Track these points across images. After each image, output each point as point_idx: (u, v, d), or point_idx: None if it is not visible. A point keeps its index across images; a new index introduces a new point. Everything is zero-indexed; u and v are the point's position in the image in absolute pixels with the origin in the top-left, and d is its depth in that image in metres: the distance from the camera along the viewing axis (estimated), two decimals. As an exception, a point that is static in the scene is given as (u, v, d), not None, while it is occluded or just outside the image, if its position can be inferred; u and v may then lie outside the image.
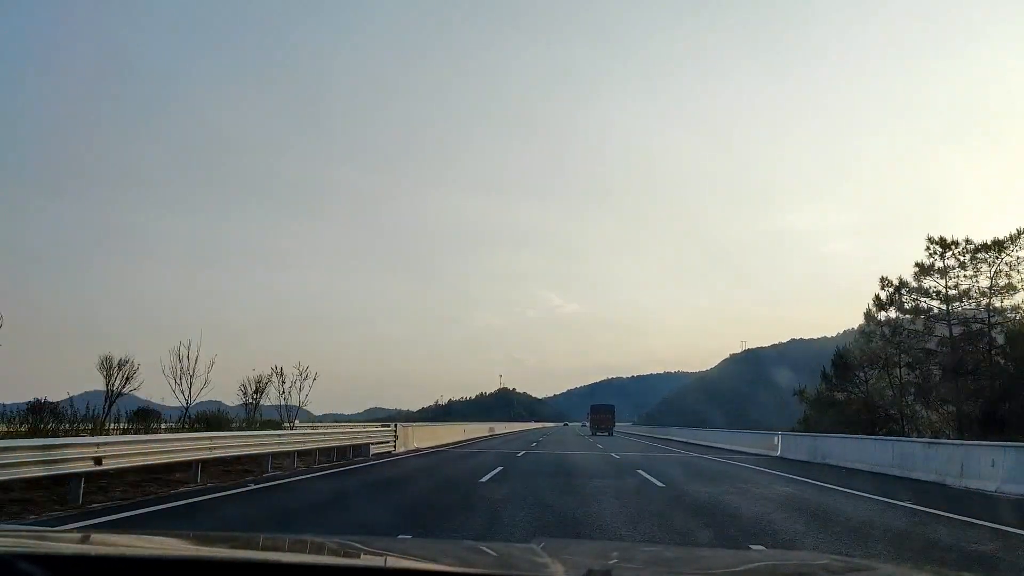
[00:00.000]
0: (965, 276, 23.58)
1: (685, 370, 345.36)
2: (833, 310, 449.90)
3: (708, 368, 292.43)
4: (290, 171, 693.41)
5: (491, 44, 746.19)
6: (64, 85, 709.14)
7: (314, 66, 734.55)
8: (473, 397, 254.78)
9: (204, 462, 11.83)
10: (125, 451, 9.82)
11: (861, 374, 26.32)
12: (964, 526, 8.58)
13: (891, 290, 23.87)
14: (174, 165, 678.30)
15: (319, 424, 38.22)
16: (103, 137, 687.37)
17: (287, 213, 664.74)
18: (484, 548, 2.43)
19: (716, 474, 16.48)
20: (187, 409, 17.76)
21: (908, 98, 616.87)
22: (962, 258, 23.56)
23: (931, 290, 23.43)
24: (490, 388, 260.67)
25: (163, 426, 16.60)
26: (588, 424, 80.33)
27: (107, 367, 17.35)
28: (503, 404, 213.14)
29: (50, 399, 15.75)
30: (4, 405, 13.50)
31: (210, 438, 11.90)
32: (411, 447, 25.45)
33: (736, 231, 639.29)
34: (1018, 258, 23.34)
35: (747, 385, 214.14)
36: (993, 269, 23.58)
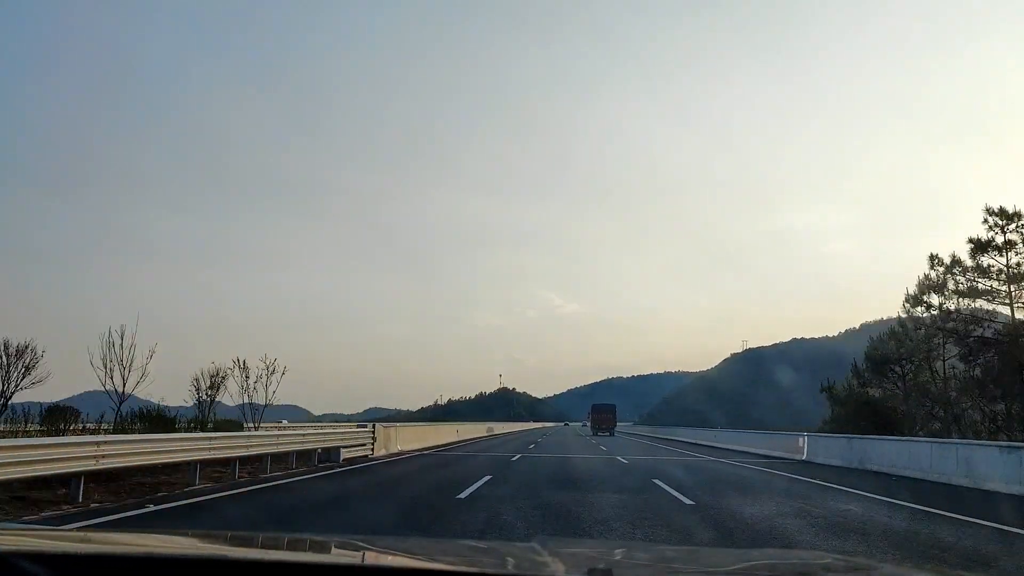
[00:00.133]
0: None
1: (686, 370, 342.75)
2: (834, 310, 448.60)
3: (709, 368, 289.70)
4: (291, 171, 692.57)
5: (492, 44, 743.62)
6: (66, 86, 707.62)
7: (315, 66, 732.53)
8: (473, 397, 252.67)
9: (91, 475, 9.02)
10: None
11: (898, 368, 23.45)
12: None
13: (941, 270, 20.98)
14: (175, 165, 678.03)
15: (285, 425, 35.57)
16: (104, 137, 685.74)
17: (288, 213, 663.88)
18: (485, 547, 2.71)
19: (747, 484, 13.66)
20: (119, 406, 14.95)
21: (908, 98, 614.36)
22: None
23: (991, 269, 20.44)
24: (490, 388, 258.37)
25: (82, 428, 13.81)
26: (589, 424, 78.45)
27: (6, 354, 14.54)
28: (503, 404, 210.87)
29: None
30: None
31: (97, 444, 9.02)
32: (393, 450, 22.63)
33: (737, 231, 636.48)
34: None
35: (748, 385, 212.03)
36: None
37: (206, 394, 18.34)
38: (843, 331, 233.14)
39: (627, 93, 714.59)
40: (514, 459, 20.77)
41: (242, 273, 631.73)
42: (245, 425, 20.34)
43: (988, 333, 20.00)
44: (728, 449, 29.85)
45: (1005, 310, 20.31)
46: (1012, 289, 19.49)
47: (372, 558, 1.63)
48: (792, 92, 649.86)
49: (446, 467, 17.45)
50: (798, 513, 9.26)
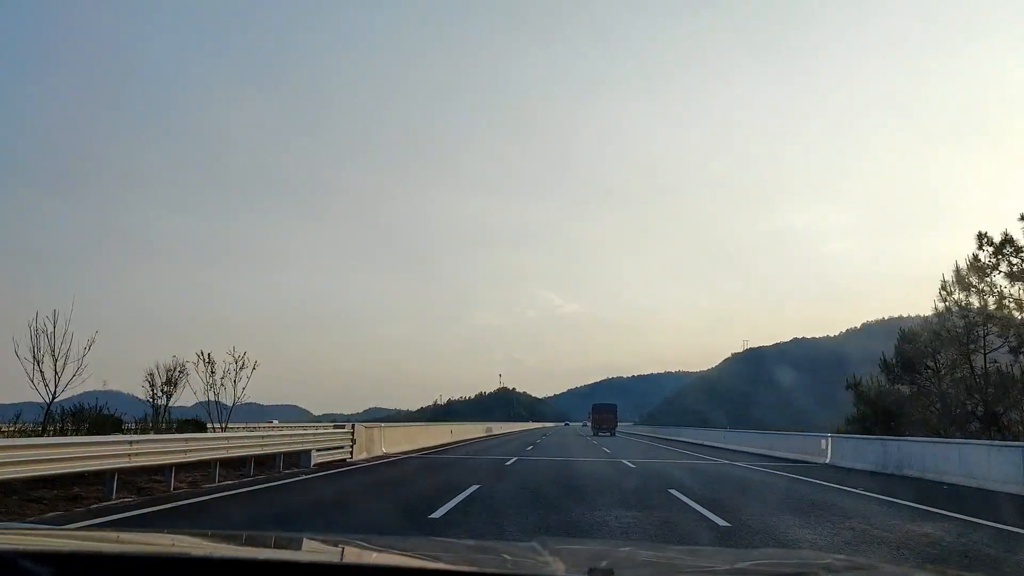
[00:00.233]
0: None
1: (686, 369, 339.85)
2: (835, 310, 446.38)
3: (709, 368, 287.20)
4: (291, 171, 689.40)
5: (492, 44, 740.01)
6: (66, 86, 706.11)
7: (315, 66, 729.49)
8: (473, 397, 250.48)
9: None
10: None
11: (931, 363, 21.33)
12: None
13: (990, 250, 18.74)
14: (175, 165, 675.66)
15: (276, 425, 33.56)
16: (104, 137, 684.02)
17: (288, 213, 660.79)
18: (486, 546, 2.55)
19: (781, 496, 11.58)
20: (50, 403, 12.84)
21: (908, 98, 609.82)
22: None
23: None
24: (490, 388, 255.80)
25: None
26: (589, 424, 76.76)
27: None
28: (503, 404, 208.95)
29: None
30: None
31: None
32: (376, 453, 20.55)
33: (737, 230, 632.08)
34: None
35: (748, 384, 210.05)
36: None
37: (161, 390, 16.21)
38: (844, 331, 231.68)
39: (627, 93, 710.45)
40: (509, 463, 18.70)
41: (242, 273, 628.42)
42: (210, 426, 18.25)
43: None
44: (739, 451, 27.79)
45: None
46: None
47: (372, 558, 1.64)
48: (792, 92, 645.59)
49: (432, 473, 15.37)
50: (870, 539, 7.16)
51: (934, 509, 9.86)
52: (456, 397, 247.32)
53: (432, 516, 8.26)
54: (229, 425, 19.31)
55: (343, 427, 18.49)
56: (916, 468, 15.94)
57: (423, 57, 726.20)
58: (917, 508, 10.03)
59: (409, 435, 26.12)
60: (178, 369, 16.28)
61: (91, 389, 15.69)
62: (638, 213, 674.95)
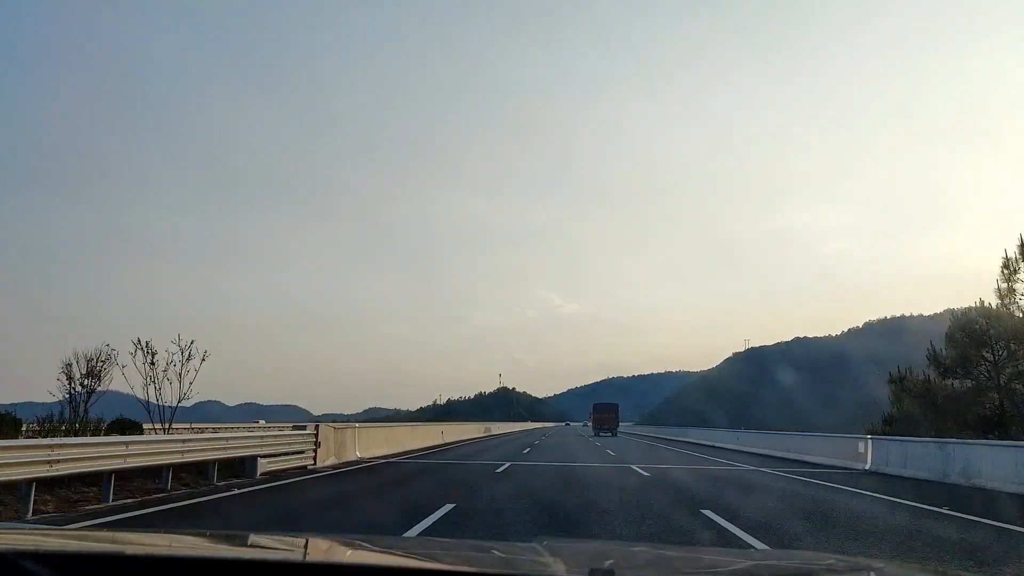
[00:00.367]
0: None
1: (687, 369, 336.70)
2: (836, 310, 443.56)
3: (710, 367, 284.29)
4: (291, 171, 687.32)
5: (492, 44, 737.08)
6: (66, 86, 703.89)
7: (315, 66, 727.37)
8: (473, 397, 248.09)
9: None
10: None
11: (990, 355, 18.56)
12: None
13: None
14: (175, 165, 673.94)
15: (263, 425, 30.93)
16: (104, 137, 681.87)
17: (288, 213, 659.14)
18: (486, 547, 2.51)
19: (857, 520, 8.87)
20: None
21: (908, 98, 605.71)
22: None
23: None
24: (490, 388, 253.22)
25: None
26: (590, 424, 74.65)
27: None
28: (503, 404, 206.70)
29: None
30: None
31: None
32: (348, 458, 17.84)
33: (737, 230, 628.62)
34: None
35: (749, 384, 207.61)
36: None
37: (80, 384, 13.48)
38: (846, 330, 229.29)
39: (627, 93, 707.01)
40: (501, 470, 16.01)
41: (242, 273, 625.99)
42: (148, 427, 15.54)
43: None
44: (756, 454, 25.05)
45: None
46: None
47: (373, 558, 1.64)
48: (792, 92, 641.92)
49: (401, 486, 12.64)
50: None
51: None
52: (456, 397, 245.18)
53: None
54: (175, 426, 16.61)
55: (304, 428, 15.75)
56: (987, 478, 13.26)
57: (423, 57, 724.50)
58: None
59: (392, 437, 23.40)
60: (100, 359, 13.52)
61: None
62: (638, 213, 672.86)
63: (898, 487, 13.24)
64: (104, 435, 12.23)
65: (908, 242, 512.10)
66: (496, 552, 2.03)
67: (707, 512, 8.85)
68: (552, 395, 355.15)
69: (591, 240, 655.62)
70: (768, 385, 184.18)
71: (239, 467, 12.72)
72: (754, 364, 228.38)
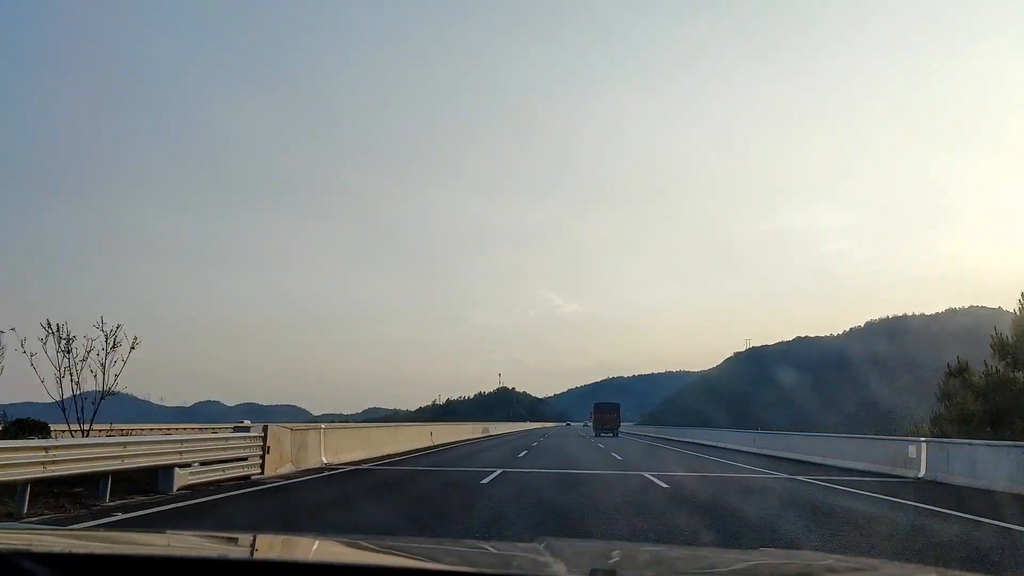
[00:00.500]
0: None
1: (687, 369, 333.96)
2: (837, 310, 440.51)
3: (711, 367, 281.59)
4: (291, 171, 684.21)
5: (492, 44, 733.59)
6: (66, 86, 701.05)
7: (315, 66, 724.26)
8: (472, 397, 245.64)
9: None
10: None
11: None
12: None
13: None
14: (175, 165, 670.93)
15: (247, 425, 28.15)
16: (104, 137, 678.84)
17: (288, 213, 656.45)
18: (487, 547, 2.53)
19: (975, 556, 6.17)
20: None
21: (908, 98, 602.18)
22: None
23: None
24: (490, 388, 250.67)
25: None
26: (591, 424, 72.27)
27: None
28: (503, 404, 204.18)
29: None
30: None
31: None
32: (310, 464, 15.21)
33: (738, 230, 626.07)
34: None
35: (750, 384, 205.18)
36: None
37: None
38: (847, 330, 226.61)
39: (627, 93, 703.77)
40: (487, 480, 13.33)
41: (242, 273, 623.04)
42: (64, 428, 12.80)
43: None
44: (780, 458, 22.50)
45: None
46: None
47: (373, 558, 1.61)
48: (792, 92, 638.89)
49: (350, 508, 9.79)
50: None
51: None
52: (456, 397, 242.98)
53: None
54: (95, 427, 13.87)
55: (247, 429, 13.00)
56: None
57: (423, 57, 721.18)
58: None
59: (369, 439, 20.71)
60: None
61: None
62: (638, 213, 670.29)
63: (975, 501, 10.86)
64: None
65: (908, 242, 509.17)
66: (496, 552, 2.10)
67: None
68: (552, 395, 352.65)
69: (591, 240, 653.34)
70: (769, 385, 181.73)
71: (150, 480, 9.98)
72: (755, 364, 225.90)
